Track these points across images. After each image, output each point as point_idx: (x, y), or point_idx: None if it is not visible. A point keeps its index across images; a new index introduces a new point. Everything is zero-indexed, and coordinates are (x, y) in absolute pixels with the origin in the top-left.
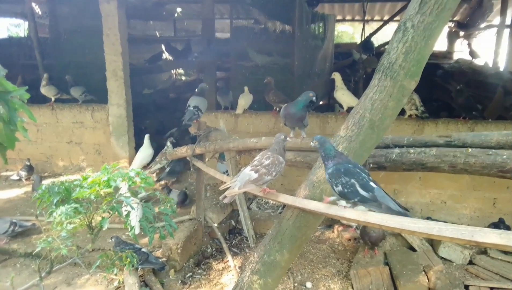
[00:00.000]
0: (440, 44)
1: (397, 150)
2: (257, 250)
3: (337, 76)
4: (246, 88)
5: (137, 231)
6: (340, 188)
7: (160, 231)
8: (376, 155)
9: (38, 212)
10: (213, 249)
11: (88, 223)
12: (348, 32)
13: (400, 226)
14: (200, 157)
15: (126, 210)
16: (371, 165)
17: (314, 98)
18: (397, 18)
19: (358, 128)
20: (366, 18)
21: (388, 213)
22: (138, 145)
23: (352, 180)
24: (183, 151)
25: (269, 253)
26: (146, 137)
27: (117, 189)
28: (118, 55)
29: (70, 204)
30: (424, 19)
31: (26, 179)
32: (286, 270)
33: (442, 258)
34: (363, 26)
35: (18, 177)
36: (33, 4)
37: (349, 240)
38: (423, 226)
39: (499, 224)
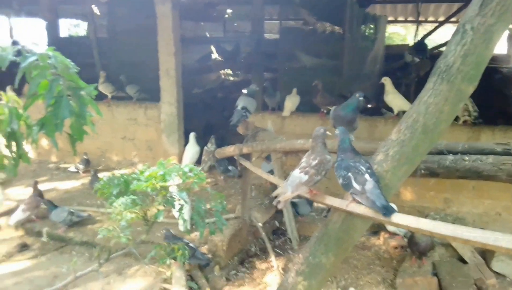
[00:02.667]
0: (499, 47)
1: (451, 157)
2: (302, 251)
3: (387, 81)
4: (294, 90)
5: (188, 226)
6: (341, 180)
7: (210, 226)
8: (429, 161)
9: (98, 202)
10: (257, 249)
11: (143, 215)
12: (400, 33)
13: (453, 234)
14: (247, 156)
15: (180, 204)
16: (422, 171)
17: (361, 98)
18: (453, 19)
19: (411, 132)
20: (419, 19)
21: (372, 207)
22: (187, 143)
23: (349, 174)
24: (231, 150)
25: (315, 255)
26: (192, 135)
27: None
28: (171, 55)
29: (129, 196)
30: (484, 21)
31: (83, 172)
32: (331, 273)
33: (495, 272)
34: (417, 28)
35: (75, 170)
36: (93, 6)
37: (396, 248)
38: (478, 235)
39: None
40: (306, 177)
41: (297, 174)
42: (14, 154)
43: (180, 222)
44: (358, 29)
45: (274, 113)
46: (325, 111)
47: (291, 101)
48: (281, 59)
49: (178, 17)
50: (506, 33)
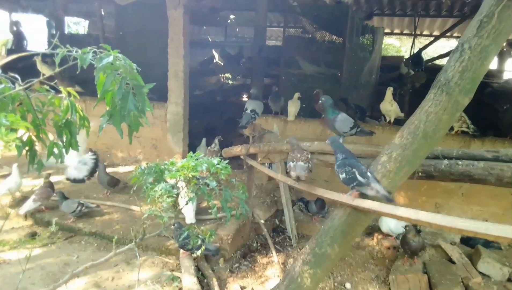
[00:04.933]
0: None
1: (446, 161)
2: (308, 243)
3: (389, 91)
4: (296, 95)
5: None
6: (344, 175)
7: (236, 212)
8: (426, 165)
9: (135, 188)
10: (258, 244)
11: (174, 202)
12: (395, 45)
13: (449, 224)
14: (253, 157)
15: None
16: (419, 173)
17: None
18: (447, 34)
19: (412, 137)
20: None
21: (376, 195)
22: (191, 143)
23: (354, 169)
24: (238, 150)
25: (321, 246)
26: (204, 139)
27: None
28: (180, 58)
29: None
30: (481, 42)
31: None
32: (335, 263)
33: (480, 273)
34: (413, 41)
35: None
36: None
37: (389, 248)
38: (471, 225)
39: None
40: (309, 165)
41: (303, 164)
42: (63, 143)
43: (189, 215)
44: (357, 40)
45: (277, 117)
46: None
47: (294, 106)
48: (284, 66)
49: (188, 22)
50: None
